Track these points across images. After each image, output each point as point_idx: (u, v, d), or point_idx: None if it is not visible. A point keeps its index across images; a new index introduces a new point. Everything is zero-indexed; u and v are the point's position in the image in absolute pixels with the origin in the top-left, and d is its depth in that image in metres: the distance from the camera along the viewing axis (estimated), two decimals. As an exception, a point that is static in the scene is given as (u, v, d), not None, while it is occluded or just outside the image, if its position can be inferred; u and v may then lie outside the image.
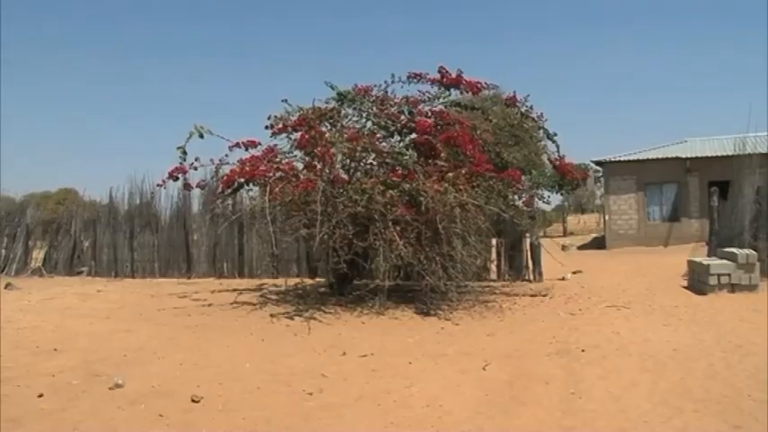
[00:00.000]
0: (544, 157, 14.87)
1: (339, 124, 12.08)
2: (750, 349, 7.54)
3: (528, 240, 15.42)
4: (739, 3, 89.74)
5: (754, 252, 12.52)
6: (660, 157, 29.84)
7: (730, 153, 17.63)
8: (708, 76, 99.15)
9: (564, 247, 28.69)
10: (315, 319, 10.33)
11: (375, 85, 12.10)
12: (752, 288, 11.99)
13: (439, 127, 11.88)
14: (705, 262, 12.62)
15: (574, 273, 16.56)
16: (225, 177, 12.01)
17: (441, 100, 12.36)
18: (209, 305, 11.94)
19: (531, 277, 15.27)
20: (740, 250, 12.50)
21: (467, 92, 12.33)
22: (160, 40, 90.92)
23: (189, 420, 5.46)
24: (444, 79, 12.00)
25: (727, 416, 5.23)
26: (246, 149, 11.81)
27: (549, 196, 15.52)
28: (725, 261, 12.37)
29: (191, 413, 5.65)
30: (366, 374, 6.90)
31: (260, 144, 11.84)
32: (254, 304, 11.80)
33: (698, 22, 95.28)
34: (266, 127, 11.72)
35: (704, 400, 5.69)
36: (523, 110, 13.41)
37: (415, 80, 12.02)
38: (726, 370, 6.70)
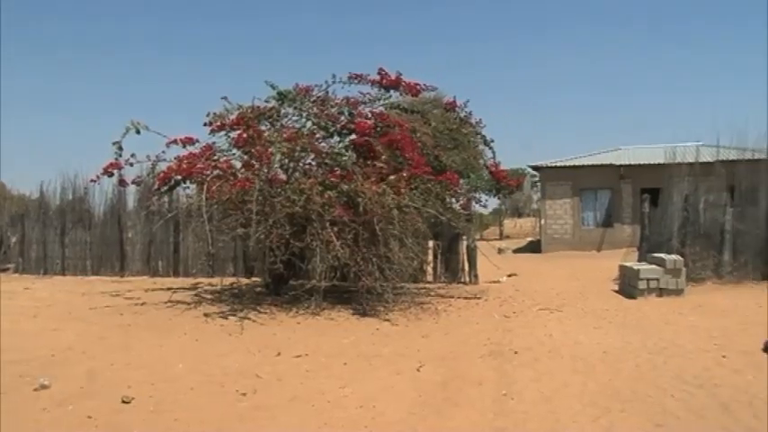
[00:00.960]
0: (482, 162, 15.09)
1: (278, 124, 12.02)
2: (674, 351, 7.77)
3: (464, 243, 15.57)
4: (678, 15, 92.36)
5: (681, 258, 12.92)
6: (595, 163, 30.53)
7: (661, 162, 18.11)
8: (640, 88, 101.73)
9: (500, 251, 29.09)
10: (250, 319, 10.24)
11: (316, 86, 12.07)
12: (678, 292, 12.37)
13: (379, 129, 11.93)
14: (635, 267, 12.95)
15: (509, 276, 16.80)
16: (161, 174, 11.82)
17: (381, 102, 12.40)
18: (143, 304, 11.72)
19: (467, 280, 15.42)
20: (668, 256, 12.87)
21: (406, 94, 12.39)
22: (94, 33, 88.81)
23: (119, 422, 5.36)
24: (384, 81, 12.05)
25: (650, 415, 5.39)
26: (184, 146, 11.66)
27: (486, 200, 15.77)
28: (654, 266, 12.71)
29: (121, 414, 5.54)
30: (300, 375, 6.88)
31: (198, 141, 11.71)
32: (189, 303, 11.64)
33: (636, 33, 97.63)
34: (205, 124, 11.58)
35: (630, 400, 5.84)
36: (462, 115, 13.58)
37: (355, 81, 12.03)
38: (651, 371, 6.89)
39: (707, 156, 17.42)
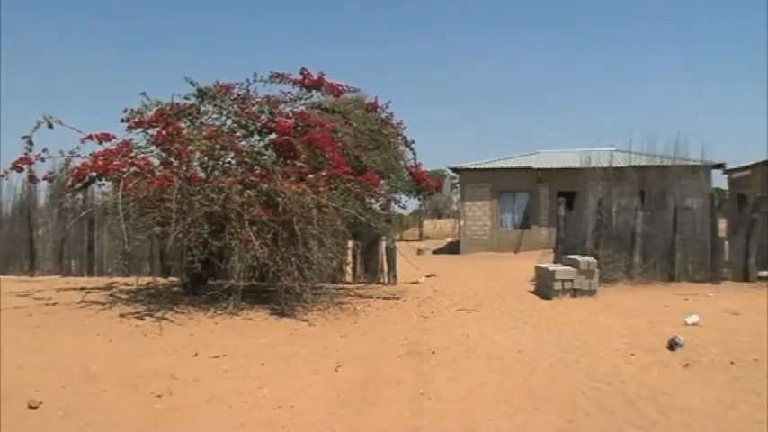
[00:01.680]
0: (403, 163, 15.21)
1: (198, 121, 11.83)
2: (586, 350, 8.02)
3: (384, 243, 15.67)
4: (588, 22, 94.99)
5: (595, 260, 13.33)
6: (514, 166, 31.14)
7: (577, 166, 18.62)
8: (560, 91, 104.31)
9: (419, 251, 29.37)
10: (166, 319, 10.05)
11: (237, 84, 11.93)
12: (591, 293, 12.75)
13: (299, 128, 11.88)
14: (551, 268, 13.28)
15: (428, 276, 16.99)
16: (75, 171, 11.46)
17: (302, 101, 12.36)
18: (54, 304, 11.33)
19: (386, 280, 15.52)
20: (582, 257, 13.26)
21: (328, 94, 12.39)
22: (6, 26, 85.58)
23: (24, 428, 5.20)
24: (306, 80, 12.02)
25: (563, 412, 5.57)
26: (100, 143, 11.32)
27: (406, 201, 15.87)
28: (568, 267, 13.06)
29: (27, 420, 5.37)
30: (218, 375, 6.82)
31: (115, 138, 11.38)
32: (103, 304, 11.33)
33: (554, 37, 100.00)
34: (122, 120, 11.29)
35: (544, 398, 6.03)
36: (384, 116, 13.67)
37: (277, 80, 11.96)
38: (564, 370, 7.11)
39: (620, 161, 18.00)
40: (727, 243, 16.34)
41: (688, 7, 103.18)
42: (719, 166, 26.58)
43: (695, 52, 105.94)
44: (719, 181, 29.04)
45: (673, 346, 7.91)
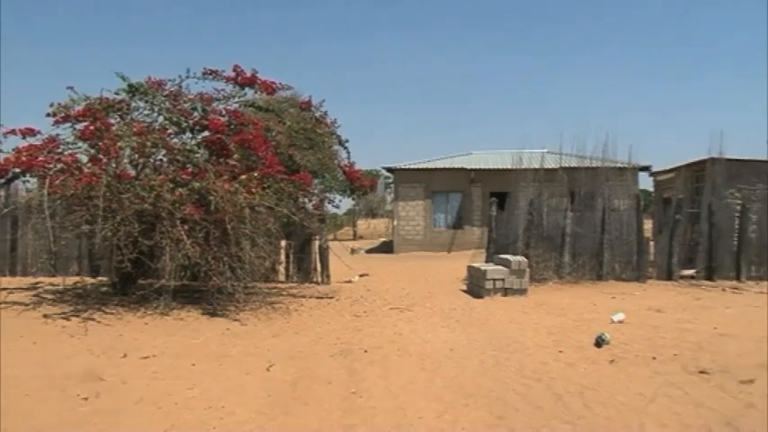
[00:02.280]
0: (337, 162, 15.22)
1: (128, 117, 11.59)
2: (517, 347, 8.18)
3: (317, 243, 15.65)
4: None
5: (526, 259, 13.58)
6: (447, 167, 31.44)
7: (509, 167, 18.92)
8: (493, 92, 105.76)
9: (353, 251, 29.43)
10: (94, 320, 9.82)
11: (169, 80, 11.75)
12: (522, 292, 13.00)
13: (232, 127, 11.77)
14: (482, 268, 13.47)
15: (361, 276, 17.04)
16: (-3, 166, 11.11)
17: (236, 99, 12.25)
18: (-27, 305, 10.97)
19: (319, 279, 15.49)
20: (513, 257, 13.49)
21: (262, 92, 12.31)
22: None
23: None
24: (239, 78, 11.92)
25: (493, 408, 5.67)
26: (24, 138, 10.99)
27: (340, 200, 15.89)
28: (500, 267, 13.28)
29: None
30: (147, 377, 6.71)
31: (40, 133, 11.07)
32: (27, 304, 10.98)
33: (490, 38, 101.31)
34: (48, 115, 10.97)
35: (474, 395, 6.12)
36: (318, 114, 13.64)
37: (210, 77, 11.82)
38: (495, 367, 7.23)
39: (551, 162, 18.36)
40: (652, 243, 16.87)
41: (616, 8, 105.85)
42: (646, 168, 27.37)
43: (622, 54, 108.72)
44: (646, 183, 29.92)
45: (599, 343, 8.15)
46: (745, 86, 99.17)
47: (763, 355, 7.46)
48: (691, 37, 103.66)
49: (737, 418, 5.25)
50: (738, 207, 16.57)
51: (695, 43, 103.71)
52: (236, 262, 10.79)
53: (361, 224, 53.96)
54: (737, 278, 15.72)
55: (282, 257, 15.36)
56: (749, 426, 5.08)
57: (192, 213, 10.36)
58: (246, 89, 12.18)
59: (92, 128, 10.82)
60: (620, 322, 9.78)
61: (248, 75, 11.90)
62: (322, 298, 12.71)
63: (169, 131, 11.79)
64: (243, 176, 11.05)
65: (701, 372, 6.75)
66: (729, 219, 16.41)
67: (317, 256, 15.71)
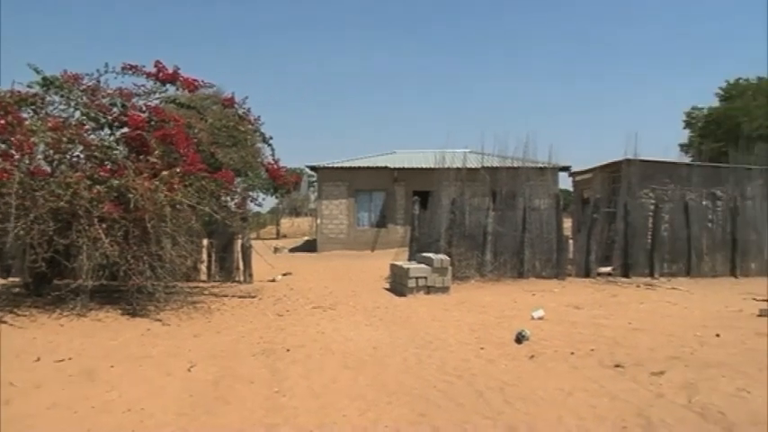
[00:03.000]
0: (261, 160, 15.08)
1: (43, 112, 11.21)
2: (439, 345, 8.29)
3: (240, 242, 15.50)
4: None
5: (448, 257, 13.75)
6: (371, 165, 31.49)
7: (432, 166, 19.08)
8: (417, 92, 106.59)
9: (276, 250, 29.17)
10: (5, 322, 9.44)
11: (86, 74, 11.43)
12: (445, 290, 13.16)
13: (153, 123, 11.55)
14: (405, 266, 13.58)
15: (284, 275, 16.95)
16: None
17: (157, 95, 12.03)
18: None
19: (242, 279, 15.37)
20: (436, 255, 13.63)
21: (184, 89, 12.12)
22: None
23: None
24: (161, 74, 11.71)
25: (415, 406, 5.72)
26: (-73, 131, 10.52)
27: (263, 199, 15.74)
28: (423, 265, 13.41)
29: None
30: (62, 381, 6.51)
31: (-53, 127, 10.61)
32: (-69, 307, 10.51)
33: (411, 38, 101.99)
34: (-45, 108, 10.54)
35: (397, 392, 6.16)
36: (241, 112, 13.48)
37: (130, 72, 11.56)
38: (417, 365, 7.30)
39: (473, 162, 18.61)
40: (571, 241, 17.32)
41: (538, 9, 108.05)
42: (566, 168, 27.99)
43: (543, 55, 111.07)
44: (566, 183, 30.63)
45: (520, 339, 8.34)
46: (658, 89, 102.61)
47: (673, 348, 7.80)
48: (607, 39, 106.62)
49: (648, 409, 5.45)
50: (652, 207, 17.20)
51: (612, 45, 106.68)
52: (157, 261, 10.59)
53: (285, 223, 53.61)
54: (651, 275, 16.32)
55: (204, 256, 15.12)
56: (658, 415, 5.29)
57: (110, 211, 10.11)
58: (168, 86, 11.98)
59: (2, 122, 10.42)
60: (540, 319, 10.03)
61: (170, 71, 11.70)
62: (244, 297, 12.61)
63: (86, 127, 11.47)
64: (164, 174, 10.83)
65: (616, 365, 6.99)
66: (644, 218, 17.02)
67: (240, 255, 15.58)
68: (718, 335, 8.63)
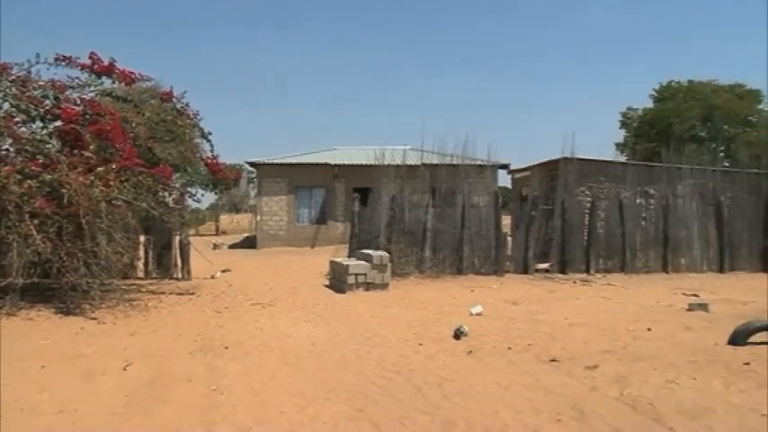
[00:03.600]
0: (200, 155, 14.89)
1: (-33, 103, 10.86)
2: (378, 341, 8.31)
3: (178, 238, 15.27)
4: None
5: (387, 254, 13.79)
6: (311, 162, 31.32)
7: (372, 163, 19.10)
8: (357, 89, 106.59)
9: (215, 246, 28.87)
10: (-73, 323, 9.12)
11: (16, 64, 11.07)
12: (384, 286, 13.20)
13: (88, 117, 11.26)
14: (345, 262, 13.57)
15: (223, 271, 16.77)
16: None
17: (92, 88, 11.74)
18: None
19: (180, 276, 15.15)
20: (375, 252, 13.67)
21: (120, 82, 11.88)
22: None
23: None
24: (96, 66, 11.44)
25: (353, 402, 5.72)
26: None
27: (202, 195, 15.54)
28: (362, 262, 13.43)
29: None
30: (-10, 382, 6.30)
31: None
32: None
33: (354, 37, 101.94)
34: None
35: (336, 389, 6.15)
36: (179, 106, 13.27)
37: (63, 63, 11.25)
38: (356, 361, 7.31)
39: (413, 159, 18.69)
40: (510, 238, 17.56)
41: (474, 8, 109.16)
42: (505, 166, 28.30)
43: (482, 52, 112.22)
44: (505, 180, 31.01)
45: (458, 335, 8.41)
46: (595, 90, 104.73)
47: (607, 343, 7.98)
48: (547, 38, 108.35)
49: (582, 401, 5.56)
50: (588, 204, 17.55)
51: (551, 44, 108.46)
52: (92, 258, 10.37)
53: (225, 219, 53.00)
54: (587, 271, 16.66)
55: (141, 253, 14.91)
56: (592, 407, 5.40)
57: (42, 207, 9.85)
58: (104, 78, 11.71)
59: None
60: (479, 315, 10.14)
61: (105, 63, 11.45)
62: (182, 294, 12.45)
63: (17, 120, 11.11)
64: (99, 169, 10.60)
65: (552, 360, 7.11)
66: (580, 215, 17.37)
67: (178, 252, 15.35)
68: (649, 329, 8.90)
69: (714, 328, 8.81)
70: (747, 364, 6.64)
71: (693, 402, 5.48)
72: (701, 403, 5.44)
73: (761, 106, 45.37)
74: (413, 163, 17.85)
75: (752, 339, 7.68)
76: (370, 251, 13.88)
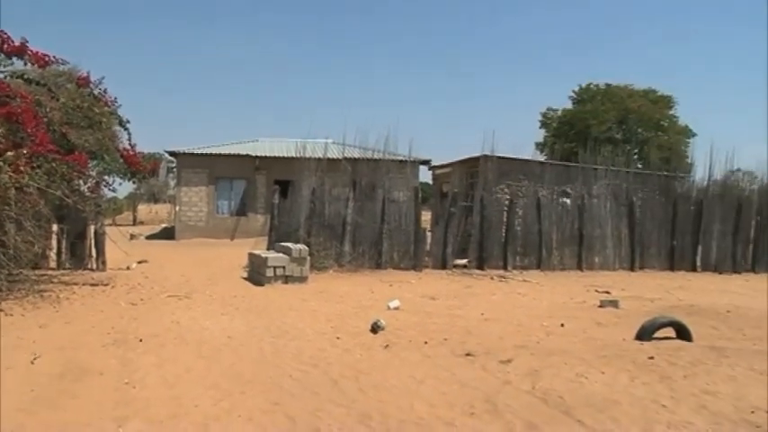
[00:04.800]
0: (117, 144, 14.52)
1: None
2: (295, 334, 8.30)
3: (93, 228, 14.87)
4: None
5: (307, 247, 13.75)
6: (232, 153, 30.90)
7: (294, 155, 19.02)
8: (280, 81, 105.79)
9: (132, 237, 28.26)
10: None
11: None
12: (303, 279, 13.17)
13: (-4, 99, 10.84)
14: (264, 255, 13.47)
15: (140, 262, 16.44)
16: None
17: (1, 68, 11.32)
18: None
19: (94, 266, 14.77)
20: (295, 245, 13.61)
21: (33, 64, 11.46)
22: None
23: None
24: (6, 46, 11.02)
25: (269, 395, 5.70)
26: None
27: (119, 184, 15.17)
28: (281, 255, 13.36)
29: None
30: None
31: None
32: None
33: (273, 29, 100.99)
34: None
35: (252, 381, 6.11)
36: (96, 92, 12.91)
37: (-31, 43, 10.81)
38: (273, 354, 7.28)
39: (334, 152, 18.68)
40: (429, 234, 17.75)
41: (399, 2, 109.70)
42: (426, 162, 28.60)
43: (406, 47, 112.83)
44: (426, 176, 31.31)
45: (375, 329, 8.46)
46: (515, 87, 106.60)
47: (521, 338, 8.17)
48: (469, 34, 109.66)
49: (495, 395, 5.67)
50: (507, 202, 17.90)
51: (473, 40, 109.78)
52: (0, 247, 9.98)
53: (143, 209, 51.93)
54: (504, 267, 17.00)
55: (54, 243, 14.45)
56: (504, 400, 5.52)
57: (-55, 193, 9.43)
58: (14, 59, 11.29)
59: None
60: (396, 309, 10.23)
61: (17, 43, 11.04)
62: (96, 285, 12.16)
63: None
64: (9, 154, 10.21)
65: (467, 354, 7.22)
66: (499, 212, 17.71)
67: (93, 242, 14.95)
68: (562, 324, 9.14)
69: (623, 324, 9.14)
70: (652, 358, 6.90)
71: (601, 395, 5.65)
72: (608, 396, 5.62)
73: (672, 112, 47.10)
74: (334, 156, 17.86)
75: (657, 335, 8.03)
76: (289, 244, 13.82)
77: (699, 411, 5.23)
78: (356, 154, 18.40)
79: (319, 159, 16.83)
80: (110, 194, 14.97)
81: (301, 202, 16.16)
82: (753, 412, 5.19)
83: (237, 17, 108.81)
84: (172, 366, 6.62)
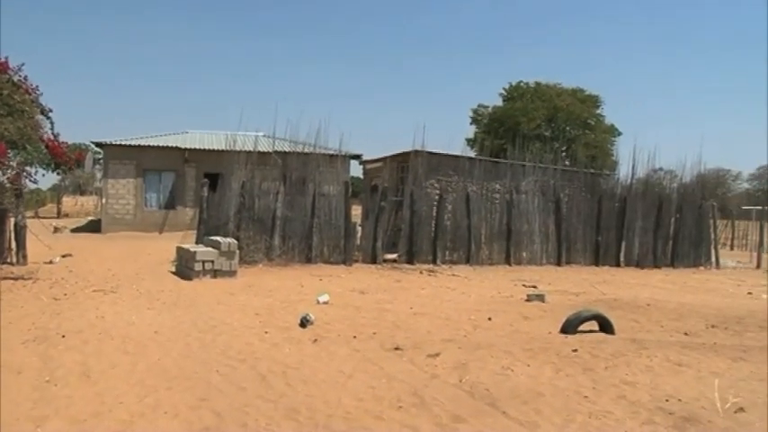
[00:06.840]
0: (43, 133, 14.11)
1: None
2: (223, 329, 8.23)
3: (13, 220, 14.41)
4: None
5: (236, 241, 13.64)
6: (161, 145, 30.32)
7: (223, 148, 18.81)
8: (210, 73, 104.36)
9: (57, 230, 27.57)
10: None
11: None
12: (232, 274, 13.05)
13: None
14: (192, 249, 13.30)
15: (63, 256, 16.03)
16: None
17: None
18: None
19: (14, 260, 14.34)
20: (224, 239, 13.48)
21: (-57, 49, 11.03)
22: None
23: None
24: None
25: (196, 390, 5.62)
26: None
27: (42, 175, 14.74)
28: (210, 249, 13.21)
29: None
30: None
31: None
32: None
33: (208, 21, 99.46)
34: None
35: (178, 377, 6.03)
36: (16, 79, 12.50)
37: None
38: (200, 349, 7.20)
39: (265, 146, 18.53)
40: (359, 228, 17.79)
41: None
42: (357, 156, 28.59)
43: (336, 40, 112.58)
44: (357, 171, 31.30)
45: (304, 323, 8.46)
46: (447, 85, 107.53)
47: (449, 331, 8.28)
48: (401, 29, 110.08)
49: (423, 389, 5.75)
50: (437, 197, 18.05)
51: (405, 36, 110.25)
52: None
53: (68, 201, 50.48)
54: (434, 262, 17.17)
55: (-29, 236, 13.94)
56: (432, 394, 5.60)
57: None
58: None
59: None
60: (326, 303, 10.24)
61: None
62: (17, 280, 11.86)
63: None
64: None
65: (396, 348, 7.29)
66: (429, 207, 17.86)
67: (13, 235, 14.47)
68: (489, 318, 9.31)
69: (549, 318, 9.36)
70: (575, 350, 7.10)
71: (526, 387, 5.79)
72: (532, 388, 5.76)
73: (598, 111, 48.32)
74: (264, 150, 17.73)
75: (581, 328, 8.25)
76: (218, 238, 13.68)
77: (618, 401, 5.43)
78: (287, 147, 18.30)
79: (249, 152, 16.69)
80: (32, 185, 14.54)
81: (231, 195, 16.01)
82: (667, 400, 5.44)
83: (164, 8, 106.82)
84: (95, 362, 6.48)
